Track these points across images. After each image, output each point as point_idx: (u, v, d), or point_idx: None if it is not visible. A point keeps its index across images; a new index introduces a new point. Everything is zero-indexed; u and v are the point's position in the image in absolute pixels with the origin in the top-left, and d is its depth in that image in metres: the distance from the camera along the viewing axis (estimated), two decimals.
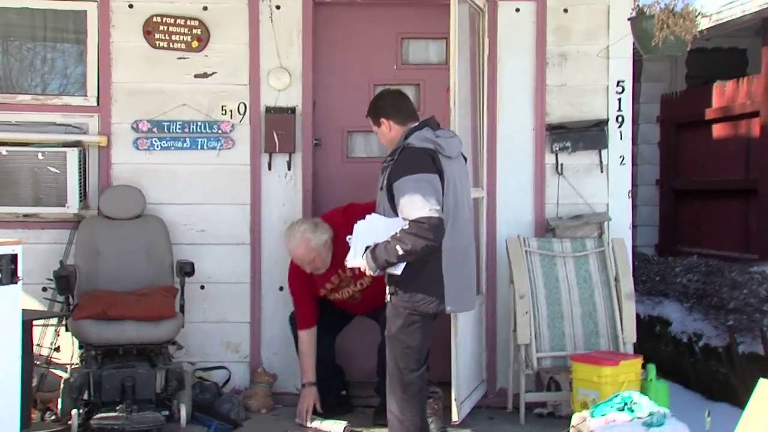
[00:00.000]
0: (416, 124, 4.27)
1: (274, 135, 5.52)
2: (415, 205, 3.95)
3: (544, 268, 5.39)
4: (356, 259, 4.14)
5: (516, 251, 5.35)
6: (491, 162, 5.63)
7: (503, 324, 5.54)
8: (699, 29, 4.96)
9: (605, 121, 5.65)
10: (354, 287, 5.06)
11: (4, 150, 5.31)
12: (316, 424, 4.93)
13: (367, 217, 4.17)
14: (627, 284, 5.34)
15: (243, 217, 5.60)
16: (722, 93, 7.88)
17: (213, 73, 5.60)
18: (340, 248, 4.70)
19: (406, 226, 3.95)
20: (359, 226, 4.17)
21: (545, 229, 5.62)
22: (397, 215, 4.06)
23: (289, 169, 5.58)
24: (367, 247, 4.09)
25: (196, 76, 5.58)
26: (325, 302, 5.20)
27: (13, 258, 3.86)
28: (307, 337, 5.12)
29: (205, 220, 5.59)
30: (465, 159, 4.50)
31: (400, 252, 3.94)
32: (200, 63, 5.57)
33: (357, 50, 5.79)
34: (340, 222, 4.91)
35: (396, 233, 3.97)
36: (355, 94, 5.65)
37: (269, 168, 5.60)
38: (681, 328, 6.16)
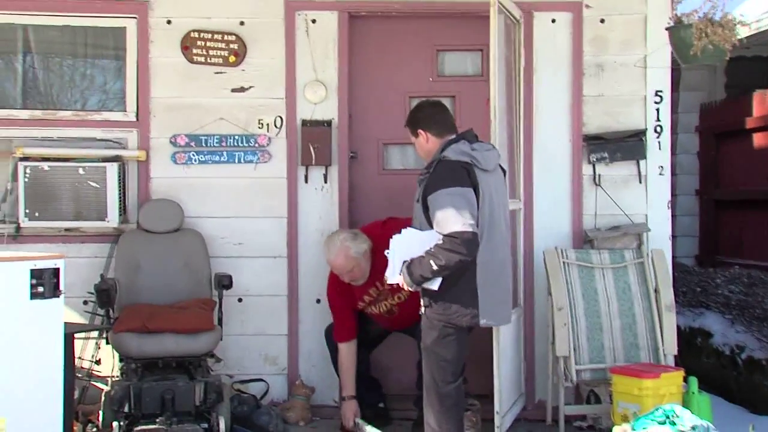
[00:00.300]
0: (454, 136, 4.28)
1: (311, 148, 5.55)
2: (449, 219, 3.95)
3: (583, 279, 5.34)
4: (395, 275, 4.15)
5: (554, 263, 5.31)
6: (528, 173, 5.62)
7: (541, 336, 5.51)
8: (738, 38, 4.92)
9: (643, 132, 5.62)
10: (392, 300, 5.04)
11: (46, 165, 5.37)
12: (361, 423, 4.94)
13: (403, 231, 4.17)
14: (667, 296, 5.28)
15: (280, 230, 5.62)
16: (763, 102, 7.80)
17: (250, 87, 5.63)
18: (378, 261, 4.71)
19: (440, 241, 3.94)
20: (395, 242, 4.17)
21: (583, 240, 5.59)
22: (432, 228, 4.05)
23: (325, 181, 5.60)
24: (404, 263, 4.10)
25: (233, 90, 5.61)
26: (363, 319, 5.20)
27: (56, 272, 3.92)
28: (347, 349, 5.14)
29: (243, 234, 5.60)
30: (504, 172, 4.48)
31: (434, 267, 3.94)
32: (237, 77, 5.61)
33: (392, 62, 5.79)
34: (379, 234, 4.90)
35: (430, 248, 3.97)
36: (391, 106, 5.66)
37: (306, 181, 5.62)
38: (723, 340, 6.11)
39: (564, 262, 5.33)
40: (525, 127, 5.58)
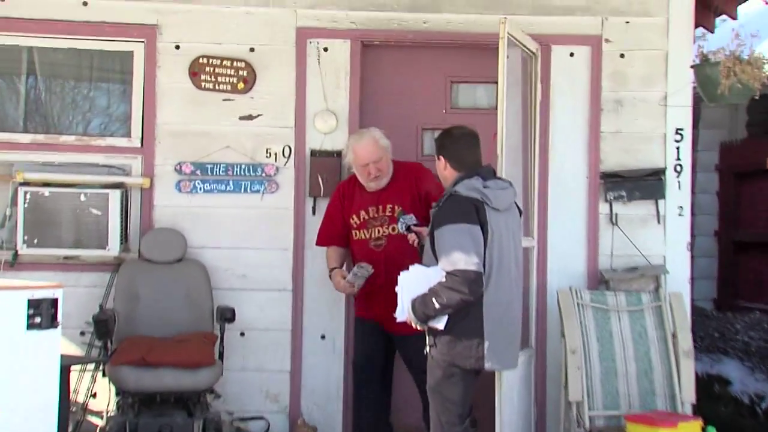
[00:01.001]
0: (472, 173, 4.25)
1: (319, 179, 5.53)
2: (452, 256, 3.93)
3: (598, 322, 5.29)
4: (404, 313, 4.13)
5: (567, 304, 5.27)
6: (542, 210, 5.56)
7: (554, 380, 5.44)
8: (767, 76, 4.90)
9: (662, 170, 5.59)
10: (384, 230, 4.98)
11: (46, 191, 5.34)
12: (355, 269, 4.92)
13: (411, 268, 4.14)
14: (685, 341, 5.23)
15: (285, 262, 5.57)
16: None
17: (258, 116, 5.60)
18: (393, 184, 4.91)
19: (443, 279, 3.92)
20: (404, 278, 4.15)
21: (598, 281, 5.54)
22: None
23: None
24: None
25: (240, 118, 5.58)
26: (362, 334, 5.11)
27: (54, 302, 3.87)
28: (333, 248, 5.16)
29: (247, 265, 5.55)
30: (520, 212, 4.45)
31: (436, 306, 3.93)
32: (245, 105, 5.59)
33: (405, 93, 5.76)
34: (402, 164, 5.02)
35: (434, 286, 3.96)
36: (403, 137, 5.59)
37: (313, 213, 5.56)
38: (742, 388, 6.09)
39: (578, 304, 5.29)
40: (540, 162, 5.54)
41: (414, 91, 5.77)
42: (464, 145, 4.30)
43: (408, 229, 4.64)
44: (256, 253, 5.57)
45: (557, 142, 5.61)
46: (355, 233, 5.04)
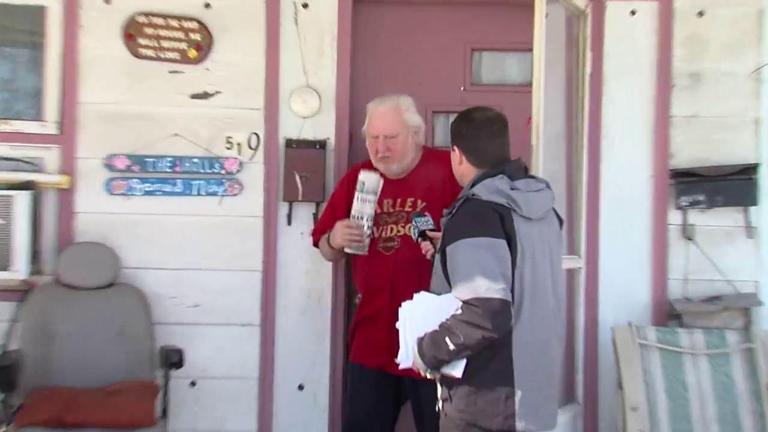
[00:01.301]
0: (497, 169, 3.75)
1: (297, 177, 5.00)
2: (470, 281, 3.52)
3: (667, 369, 4.81)
4: (409, 358, 3.67)
5: (626, 345, 4.81)
6: (592, 220, 5.01)
7: None
8: None
9: (755, 167, 5.01)
10: (397, 229, 4.57)
11: None
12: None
13: (416, 296, 3.69)
14: None
15: (252, 288, 5.03)
16: None
17: (216, 93, 5.02)
18: (418, 174, 4.53)
19: (458, 311, 3.51)
20: (407, 310, 3.68)
21: (668, 315, 5.03)
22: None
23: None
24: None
25: (193, 96, 5.01)
26: (358, 378, 4.63)
27: None
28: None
29: (201, 292, 5.01)
30: (561, 221, 3.98)
31: (450, 347, 3.54)
32: (199, 79, 5.04)
33: (411, 65, 5.27)
34: (438, 155, 4.55)
35: (446, 320, 3.55)
36: None
37: (289, 222, 5.00)
38: None
39: (641, 344, 4.82)
40: (589, 157, 4.98)
41: (423, 61, 5.30)
42: (487, 132, 3.85)
43: (422, 235, 4.22)
44: (213, 276, 5.02)
45: (612, 130, 5.05)
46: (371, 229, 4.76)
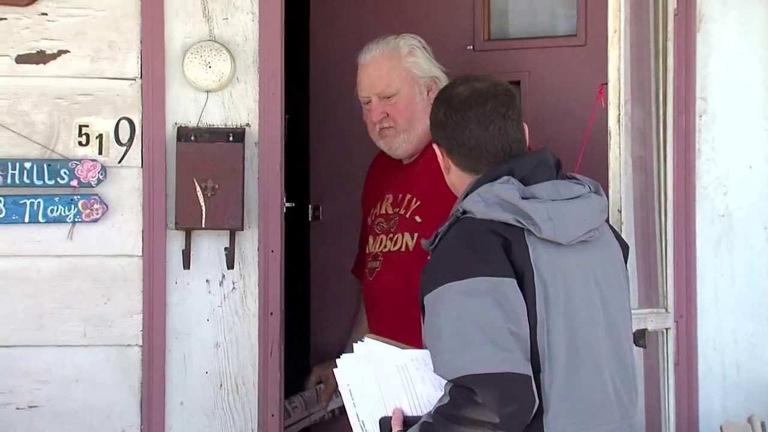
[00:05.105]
0: (500, 168, 2.85)
1: (198, 190, 3.71)
2: (460, 350, 2.64)
3: None
4: None
5: None
6: (685, 244, 3.79)
7: None
8: None
9: None
10: (385, 243, 3.89)
11: None
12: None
13: (357, 346, 2.82)
14: None
15: (124, 374, 3.74)
16: None
17: (59, 54, 3.75)
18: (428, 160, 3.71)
19: (446, 399, 2.59)
20: (343, 372, 2.78)
21: None
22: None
23: (230, 266, 3.71)
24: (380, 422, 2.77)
25: (20, 59, 3.73)
26: None
27: None
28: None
29: (38, 382, 3.68)
30: (626, 247, 3.00)
31: None
32: (32, 31, 3.77)
33: (396, 11, 4.48)
34: None
35: (428, 414, 2.66)
36: None
37: (186, 265, 3.68)
38: None
39: None
40: (676, 144, 3.73)
41: (415, 6, 4.54)
42: (476, 116, 2.87)
43: None
44: (59, 356, 3.72)
45: (713, 117, 3.86)
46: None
